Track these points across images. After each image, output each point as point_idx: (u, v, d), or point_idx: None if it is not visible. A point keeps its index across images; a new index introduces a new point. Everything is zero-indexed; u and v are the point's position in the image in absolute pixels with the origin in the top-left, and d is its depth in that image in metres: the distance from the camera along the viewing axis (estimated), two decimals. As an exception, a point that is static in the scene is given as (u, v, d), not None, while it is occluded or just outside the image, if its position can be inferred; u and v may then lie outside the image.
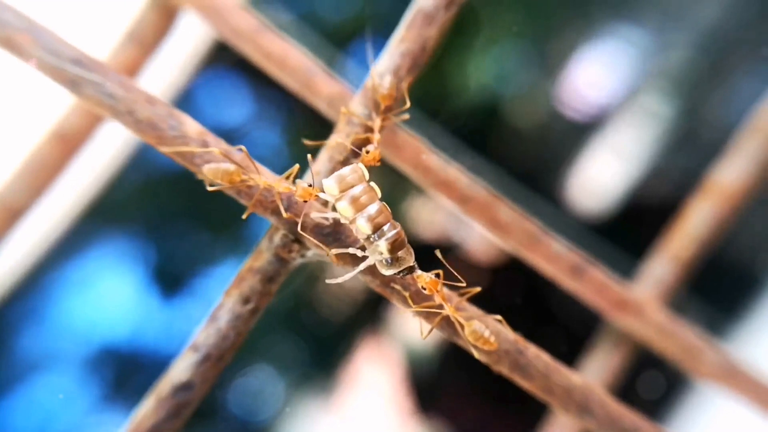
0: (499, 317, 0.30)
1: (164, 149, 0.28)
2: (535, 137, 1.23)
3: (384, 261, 0.28)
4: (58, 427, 1.10)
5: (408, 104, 0.32)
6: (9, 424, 1.10)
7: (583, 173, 1.19)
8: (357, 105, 0.32)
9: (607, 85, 1.19)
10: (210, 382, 0.28)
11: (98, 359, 1.15)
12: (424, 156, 0.35)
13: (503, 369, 0.31)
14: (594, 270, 0.37)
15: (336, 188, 0.29)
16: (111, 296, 1.17)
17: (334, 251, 0.30)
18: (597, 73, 1.19)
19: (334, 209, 0.29)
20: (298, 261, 0.31)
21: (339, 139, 0.32)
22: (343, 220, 0.29)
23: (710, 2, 1.19)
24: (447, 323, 0.30)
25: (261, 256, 0.30)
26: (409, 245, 0.29)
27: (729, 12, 1.19)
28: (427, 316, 0.30)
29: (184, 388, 0.27)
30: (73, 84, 0.26)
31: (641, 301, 0.39)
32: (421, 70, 0.31)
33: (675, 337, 0.39)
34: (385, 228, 0.28)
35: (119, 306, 1.17)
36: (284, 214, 0.29)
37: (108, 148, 1.04)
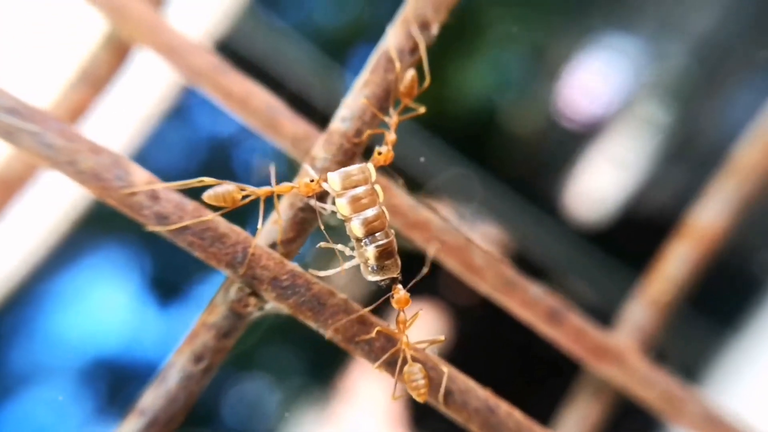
0: (446, 370, 0.29)
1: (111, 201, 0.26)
2: (532, 146, 1.22)
3: (369, 267, 0.28)
4: (50, 441, 1.09)
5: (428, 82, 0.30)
6: (1, 438, 1.09)
7: (579, 182, 1.18)
8: (320, 148, 0.30)
9: (604, 94, 1.18)
10: (158, 447, 0.27)
11: (92, 371, 1.14)
12: (394, 198, 0.34)
13: (473, 427, 0.30)
14: (572, 316, 0.35)
15: (339, 184, 0.28)
16: (105, 306, 1.16)
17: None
18: (593, 81, 1.17)
19: (333, 203, 0.29)
20: (256, 315, 0.29)
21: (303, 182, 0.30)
22: (339, 216, 0.29)
23: (706, 12, 1.18)
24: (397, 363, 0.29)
25: (215, 311, 0.29)
26: (397, 256, 0.28)
27: (724, 21, 1.18)
28: (390, 365, 0.29)
29: (129, 456, 0.26)
30: (7, 134, 0.25)
31: (621, 348, 0.37)
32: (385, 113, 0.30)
33: (656, 385, 0.37)
34: (378, 234, 0.28)
35: (114, 316, 1.16)
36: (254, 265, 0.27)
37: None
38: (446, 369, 0.29)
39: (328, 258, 0.35)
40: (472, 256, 0.34)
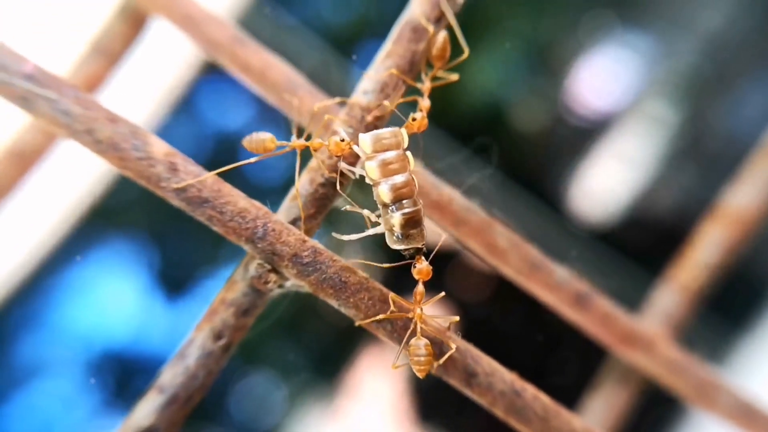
0: (453, 347, 0.28)
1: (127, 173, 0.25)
2: (540, 142, 1.21)
3: (394, 235, 0.28)
4: (58, 433, 1.08)
5: (466, 53, 0.30)
6: (9, 431, 1.09)
7: (587, 179, 1.17)
8: (341, 122, 0.29)
9: (613, 92, 1.17)
10: (177, 426, 0.26)
11: (99, 364, 1.13)
12: (415, 176, 0.33)
13: (498, 411, 0.29)
14: (599, 300, 0.34)
15: (370, 146, 0.27)
16: (113, 300, 1.16)
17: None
18: (603, 78, 1.16)
19: (363, 166, 0.28)
20: (276, 292, 0.28)
21: (322, 158, 0.29)
22: (367, 180, 0.28)
23: (716, 9, 1.17)
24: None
25: (235, 287, 0.28)
26: (424, 226, 0.28)
27: (735, 19, 1.16)
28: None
29: (147, 433, 0.25)
30: (24, 101, 0.24)
31: (650, 334, 0.36)
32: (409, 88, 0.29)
33: (687, 373, 0.36)
34: (405, 202, 0.27)
35: (122, 309, 1.16)
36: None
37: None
38: (454, 346, 0.28)
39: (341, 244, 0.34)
40: (495, 237, 0.33)
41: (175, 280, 1.18)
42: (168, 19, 0.33)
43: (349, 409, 1.14)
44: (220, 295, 0.28)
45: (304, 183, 0.29)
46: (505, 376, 0.28)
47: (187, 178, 0.26)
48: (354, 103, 0.29)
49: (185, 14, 0.32)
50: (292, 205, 0.29)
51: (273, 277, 0.28)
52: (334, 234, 0.29)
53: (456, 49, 0.30)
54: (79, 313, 1.14)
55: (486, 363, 0.29)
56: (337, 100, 0.30)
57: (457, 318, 0.29)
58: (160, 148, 0.26)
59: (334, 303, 0.28)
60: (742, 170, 0.41)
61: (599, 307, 0.35)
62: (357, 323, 0.28)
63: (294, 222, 0.29)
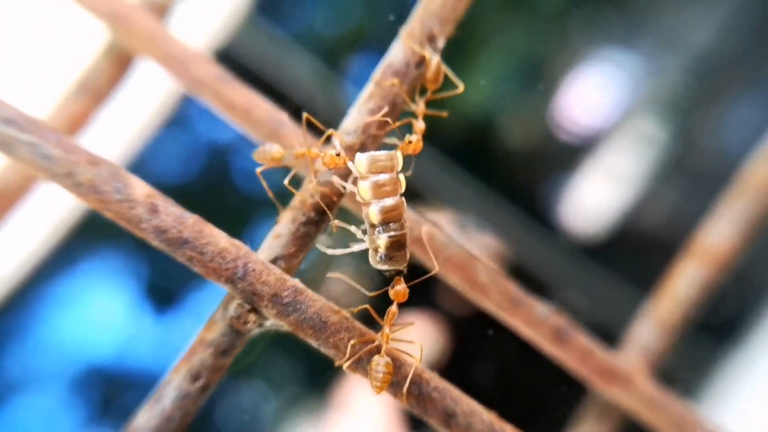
0: (414, 364, 0.28)
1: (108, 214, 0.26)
2: (529, 158, 1.22)
3: (378, 255, 0.28)
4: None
5: (461, 88, 0.30)
6: (-9, 445, 1.07)
7: (576, 195, 1.18)
8: (339, 136, 0.30)
9: (602, 108, 1.18)
10: (152, 468, 0.26)
11: (85, 379, 1.12)
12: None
13: (476, 450, 0.29)
14: (578, 336, 0.35)
15: (365, 167, 0.28)
16: (101, 313, 1.15)
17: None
18: (592, 95, 1.18)
19: (354, 182, 0.29)
20: (255, 331, 0.28)
21: (304, 197, 0.29)
22: (357, 198, 0.29)
23: (704, 27, 1.19)
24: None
25: (214, 327, 0.28)
26: (407, 250, 0.28)
27: (722, 36, 1.18)
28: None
29: (121, 478, 0.25)
30: (4, 145, 0.24)
31: (628, 369, 0.36)
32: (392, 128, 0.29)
33: (665, 409, 0.36)
34: (393, 224, 0.28)
35: (109, 323, 1.15)
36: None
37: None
38: (416, 364, 0.29)
39: (325, 266, 0.35)
40: (476, 272, 0.34)
41: (164, 292, 1.17)
42: (153, 58, 0.33)
43: (339, 422, 1.14)
44: (199, 336, 0.28)
45: (286, 222, 0.29)
46: (484, 417, 0.29)
47: (168, 219, 0.26)
48: (339, 142, 0.30)
49: (170, 54, 0.33)
50: (273, 243, 0.29)
51: (252, 317, 0.28)
52: (318, 246, 0.29)
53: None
54: (65, 326, 1.13)
55: (465, 403, 0.29)
56: (324, 135, 0.30)
57: (413, 322, 0.29)
58: (141, 190, 0.26)
59: (313, 343, 0.28)
60: (718, 206, 0.41)
61: (578, 342, 0.35)
62: (337, 364, 0.28)
63: (275, 261, 0.29)
